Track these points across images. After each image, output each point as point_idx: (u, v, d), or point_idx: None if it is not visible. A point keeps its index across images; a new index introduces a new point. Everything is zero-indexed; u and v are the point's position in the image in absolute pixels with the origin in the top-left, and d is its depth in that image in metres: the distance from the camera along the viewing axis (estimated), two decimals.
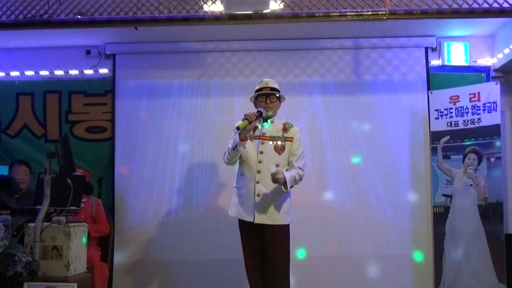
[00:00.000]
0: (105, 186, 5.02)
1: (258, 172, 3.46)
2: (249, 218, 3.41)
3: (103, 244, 4.47)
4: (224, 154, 3.53)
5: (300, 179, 3.50)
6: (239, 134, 3.34)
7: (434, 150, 4.72)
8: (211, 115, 5.01)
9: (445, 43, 4.91)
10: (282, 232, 3.46)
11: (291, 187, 3.45)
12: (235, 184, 3.62)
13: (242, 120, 3.38)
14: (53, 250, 3.18)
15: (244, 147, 3.43)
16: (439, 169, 4.66)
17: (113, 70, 5.11)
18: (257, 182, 3.43)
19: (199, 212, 4.89)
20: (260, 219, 3.40)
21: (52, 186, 3.15)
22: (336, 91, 5.00)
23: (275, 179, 3.32)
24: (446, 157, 4.63)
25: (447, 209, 4.57)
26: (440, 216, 4.60)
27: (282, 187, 3.35)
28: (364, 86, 5.00)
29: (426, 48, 4.98)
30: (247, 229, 3.47)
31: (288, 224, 3.49)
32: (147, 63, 5.08)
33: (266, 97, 3.54)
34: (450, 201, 4.55)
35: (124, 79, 5.08)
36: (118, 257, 4.85)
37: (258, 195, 3.42)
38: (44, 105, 5.12)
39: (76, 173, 3.82)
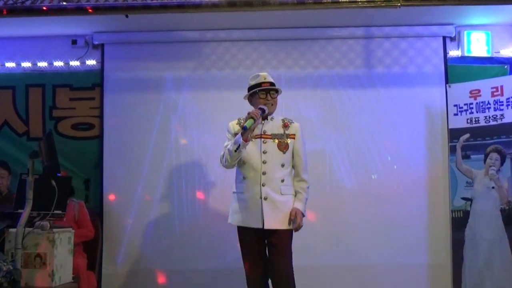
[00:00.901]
0: (93, 188, 5.03)
1: (264, 173, 3.46)
2: (257, 224, 3.41)
3: (90, 252, 4.48)
4: (223, 156, 3.52)
5: (307, 193, 3.56)
6: (242, 134, 3.35)
7: (452, 149, 4.72)
8: (208, 111, 5.02)
9: (465, 32, 4.92)
10: (288, 238, 3.48)
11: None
12: (234, 189, 3.60)
13: (246, 119, 3.38)
14: (36, 258, 3.17)
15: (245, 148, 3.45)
16: (458, 170, 4.67)
17: (102, 61, 5.10)
18: (263, 185, 3.44)
19: (195, 218, 4.91)
20: (270, 224, 3.40)
21: (35, 188, 3.15)
22: (345, 84, 5.01)
23: (298, 226, 3.40)
24: (466, 157, 4.64)
25: (466, 213, 4.57)
26: (459, 222, 4.60)
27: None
28: (376, 79, 5.00)
29: (444, 38, 4.99)
30: (251, 237, 3.47)
31: (292, 230, 3.50)
32: (138, 54, 5.07)
33: (266, 93, 3.54)
34: (470, 205, 4.55)
35: (113, 71, 5.08)
36: (107, 266, 4.85)
37: (265, 199, 3.42)
38: (26, 100, 5.12)
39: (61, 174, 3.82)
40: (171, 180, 4.97)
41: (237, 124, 3.60)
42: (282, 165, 3.49)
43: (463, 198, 4.61)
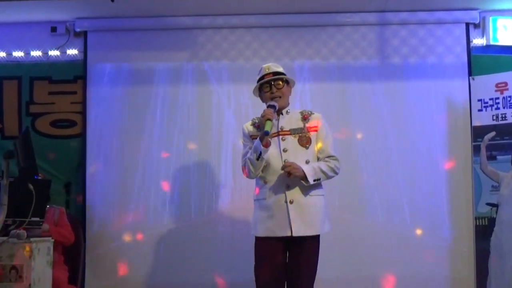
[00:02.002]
0: (74, 192, 5.03)
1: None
2: (284, 232, 3.37)
3: (72, 264, 4.46)
4: (245, 167, 3.49)
5: (333, 171, 3.47)
6: (261, 139, 3.33)
7: (476, 149, 4.72)
8: (204, 107, 5.03)
9: (491, 18, 4.93)
10: (315, 245, 3.46)
11: (317, 180, 3.41)
12: (255, 196, 3.56)
13: (261, 123, 3.38)
14: (11, 270, 3.16)
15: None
16: (483, 172, 4.67)
17: (85, 51, 5.11)
18: (288, 188, 3.41)
19: (191, 225, 4.90)
20: (299, 230, 3.36)
21: (10, 192, 3.15)
22: (357, 76, 5.01)
23: (286, 172, 3.32)
24: (492, 157, 4.64)
25: (492, 221, 4.56)
26: (484, 230, 4.60)
27: (303, 181, 3.36)
28: (391, 71, 5.01)
29: (467, 24, 5.01)
30: (276, 248, 3.42)
31: (319, 236, 3.48)
32: (126, 43, 5.08)
33: (270, 85, 3.53)
34: (496, 211, 4.54)
35: (97, 62, 5.09)
36: (90, 280, 4.83)
37: (291, 202, 3.40)
38: (0, 94, 5.13)
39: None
40: (165, 183, 4.97)
41: (251, 125, 3.59)
42: (307, 162, 3.45)
43: (488, 204, 4.61)
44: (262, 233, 3.44)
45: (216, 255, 4.81)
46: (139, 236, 4.92)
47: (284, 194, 3.40)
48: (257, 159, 3.36)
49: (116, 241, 4.92)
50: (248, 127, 3.60)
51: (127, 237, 4.92)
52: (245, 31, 5.06)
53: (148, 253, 4.89)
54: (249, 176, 3.51)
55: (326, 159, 3.49)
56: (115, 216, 4.95)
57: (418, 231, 4.81)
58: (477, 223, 4.65)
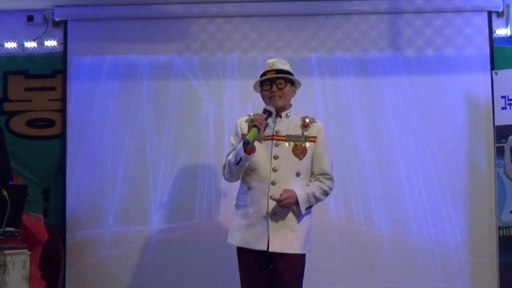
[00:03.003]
0: (53, 199, 5.04)
1: (273, 183, 3.42)
2: (260, 246, 3.38)
3: (50, 278, 4.43)
4: (224, 168, 3.53)
5: (326, 194, 3.51)
6: (244, 147, 3.33)
7: (500, 151, 4.71)
8: (196, 104, 5.03)
9: None
10: (298, 264, 3.45)
11: (309, 207, 3.45)
12: (236, 201, 3.59)
13: (249, 128, 3.36)
14: None
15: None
16: (507, 177, 4.65)
17: (64, 42, 5.11)
18: (272, 197, 3.39)
19: (184, 235, 4.90)
20: (276, 246, 3.37)
21: None
22: (366, 71, 5.00)
23: (282, 206, 3.34)
24: None
25: None
26: (508, 241, 4.59)
27: (295, 208, 3.38)
28: (405, 65, 5.00)
29: (490, 13, 4.99)
30: (253, 261, 3.46)
31: (305, 254, 3.49)
32: (110, 33, 5.09)
33: (271, 83, 3.52)
34: None
35: (78, 54, 5.09)
36: None
37: (273, 215, 3.40)
38: None
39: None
40: (154, 189, 4.97)
41: (246, 122, 3.56)
42: (297, 174, 3.47)
43: None
44: (236, 242, 3.48)
45: (206, 265, 4.82)
46: (125, 247, 4.92)
47: (267, 204, 3.41)
48: (236, 164, 3.37)
49: (100, 253, 4.92)
50: (242, 123, 3.59)
51: (111, 248, 4.92)
52: (242, 20, 5.06)
53: (134, 266, 4.88)
54: (225, 177, 3.56)
55: (321, 178, 3.49)
56: (99, 225, 4.94)
57: (433, 243, 4.81)
58: (501, 233, 4.63)
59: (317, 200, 3.47)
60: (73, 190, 4.98)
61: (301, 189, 3.40)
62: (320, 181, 3.48)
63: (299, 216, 3.44)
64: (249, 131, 3.34)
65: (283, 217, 3.40)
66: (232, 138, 3.61)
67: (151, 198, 4.98)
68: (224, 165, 3.53)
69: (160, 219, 4.95)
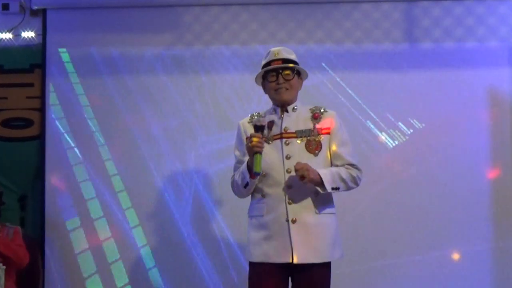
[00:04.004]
0: (31, 208, 5.00)
1: (289, 187, 3.36)
2: (284, 258, 3.32)
3: None
4: (233, 185, 3.54)
5: (354, 180, 3.43)
6: (249, 170, 3.32)
7: None
8: (191, 101, 5.00)
9: None
10: (325, 278, 3.41)
11: (335, 189, 3.36)
12: (249, 211, 3.53)
13: (249, 153, 3.28)
14: None
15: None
16: None
17: (43, 34, 5.09)
18: (289, 203, 3.35)
19: (177, 247, 4.89)
20: (302, 256, 3.30)
21: None
22: (378, 64, 4.99)
23: (300, 175, 3.24)
24: None
25: None
26: None
27: (319, 188, 3.31)
28: (421, 57, 4.99)
29: None
30: (275, 275, 3.39)
31: (330, 262, 3.43)
32: (93, 24, 5.07)
33: (277, 74, 3.45)
34: None
35: (59, 46, 5.06)
36: None
37: (293, 221, 3.32)
38: None
39: None
40: (141, 195, 4.95)
41: (249, 122, 3.52)
42: None
43: None
44: (256, 258, 3.40)
45: (202, 284, 4.81)
46: (110, 262, 4.89)
47: (285, 211, 3.34)
48: (244, 187, 3.40)
49: (84, 269, 4.88)
50: (245, 125, 3.53)
51: (96, 264, 4.89)
52: (240, 8, 5.05)
53: (120, 283, 4.86)
54: (236, 195, 3.57)
55: (347, 166, 3.43)
56: (82, 237, 4.91)
57: (455, 255, 4.81)
58: None
59: (345, 183, 3.39)
60: (53, 198, 4.94)
61: (323, 168, 3.34)
62: (346, 168, 3.42)
63: (323, 221, 3.38)
64: (251, 160, 3.26)
65: (305, 224, 3.34)
66: (235, 148, 3.56)
67: (140, 208, 4.96)
68: (232, 183, 3.52)
69: (150, 231, 4.93)
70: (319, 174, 3.27)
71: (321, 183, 3.27)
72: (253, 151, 3.23)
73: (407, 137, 4.91)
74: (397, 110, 4.93)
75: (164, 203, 4.93)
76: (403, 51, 4.99)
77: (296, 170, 3.25)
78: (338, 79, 4.97)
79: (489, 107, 4.89)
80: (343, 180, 3.37)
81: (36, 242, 4.77)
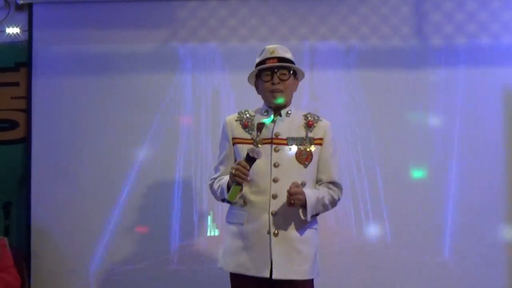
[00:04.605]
0: (16, 216, 4.97)
1: (274, 197, 3.33)
2: (261, 272, 3.30)
3: None
4: (211, 189, 3.55)
5: (333, 202, 3.47)
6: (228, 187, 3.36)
7: None
8: (186, 101, 4.96)
9: None
10: None
11: (316, 215, 3.38)
12: (228, 217, 3.51)
13: (230, 184, 3.29)
14: None
15: None
16: None
17: (29, 30, 5.06)
18: (273, 214, 3.31)
19: (170, 259, 4.86)
20: (281, 272, 3.28)
21: None
22: (385, 63, 4.95)
23: (290, 201, 3.24)
24: None
25: None
26: None
27: (300, 212, 3.30)
28: (432, 56, 4.95)
29: None
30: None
31: (312, 280, 3.42)
32: (82, 19, 5.02)
33: (272, 73, 3.41)
34: None
35: (46, 44, 5.04)
36: None
37: (275, 234, 3.30)
38: None
39: None
40: (137, 202, 4.92)
41: (236, 120, 3.50)
42: (302, 184, 3.34)
43: None
44: (231, 268, 3.41)
45: None
46: (101, 274, 4.88)
47: (267, 222, 3.33)
48: (222, 201, 3.44)
49: (72, 281, 4.87)
50: (232, 123, 3.51)
51: (87, 276, 4.87)
52: (239, 3, 5.01)
53: None
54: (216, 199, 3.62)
55: (330, 185, 3.46)
56: (71, 248, 4.88)
57: (465, 272, 4.78)
58: None
59: (325, 208, 3.43)
60: (40, 205, 4.91)
61: (310, 191, 3.33)
62: (329, 188, 3.45)
63: (307, 236, 3.39)
64: (228, 188, 3.28)
65: (288, 238, 3.34)
66: (220, 147, 3.55)
67: (132, 216, 4.93)
68: (211, 187, 3.53)
69: (142, 242, 4.90)
70: (305, 199, 3.27)
71: (303, 208, 3.28)
72: (234, 181, 3.23)
73: (415, 142, 4.88)
74: (404, 110, 4.91)
75: (155, 209, 4.90)
76: (411, 50, 4.95)
77: (289, 194, 3.21)
78: (343, 77, 4.93)
79: (504, 108, 4.85)
80: (324, 205, 3.39)
81: (21, 253, 4.72)
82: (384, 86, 4.91)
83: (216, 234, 4.84)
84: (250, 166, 3.23)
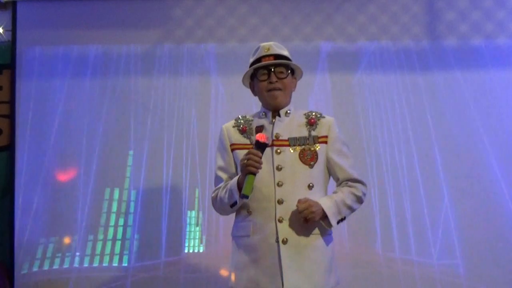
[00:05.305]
0: None
1: (279, 202, 3.24)
2: (271, 285, 3.24)
3: None
4: (215, 201, 3.42)
5: (359, 201, 3.40)
6: (239, 187, 3.24)
7: None
8: (181, 105, 4.95)
9: None
10: None
11: (342, 219, 3.33)
12: (233, 231, 3.45)
13: (243, 171, 3.18)
14: None
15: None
16: None
17: (13, 29, 5.05)
18: (280, 221, 3.22)
19: (164, 273, 4.81)
20: (292, 283, 3.20)
21: None
22: (396, 64, 4.97)
23: (305, 219, 3.19)
24: None
25: None
26: None
27: (323, 223, 3.25)
28: (446, 56, 4.96)
29: None
30: None
31: None
32: (71, 18, 5.01)
33: (269, 72, 3.34)
34: None
35: (31, 44, 5.03)
36: None
37: (284, 242, 3.21)
38: None
39: None
40: (129, 212, 4.89)
41: (234, 127, 3.44)
42: (310, 187, 3.28)
43: None
44: (242, 285, 3.32)
45: None
46: (87, 286, 4.84)
47: (275, 230, 3.25)
48: (231, 206, 3.31)
49: None
50: (229, 129, 3.45)
51: None
52: (238, 1, 5.05)
53: None
54: (217, 211, 3.51)
55: (350, 183, 3.38)
56: (58, 261, 4.83)
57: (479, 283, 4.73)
58: None
59: (351, 209, 3.36)
60: (24, 215, 4.88)
61: (326, 199, 3.29)
62: (349, 186, 3.39)
63: (317, 241, 3.32)
64: (243, 179, 3.16)
65: (298, 245, 3.27)
66: (218, 156, 3.46)
67: (122, 227, 4.90)
68: (215, 198, 3.41)
69: (132, 253, 4.86)
70: (322, 209, 3.22)
71: (325, 218, 3.23)
72: (248, 171, 3.14)
73: (422, 147, 4.88)
74: (416, 116, 4.91)
75: (148, 219, 4.86)
76: (424, 50, 4.97)
77: (299, 212, 3.18)
78: (350, 79, 4.95)
79: None
80: (349, 207, 3.33)
81: (4, 268, 4.71)
82: (393, 89, 4.92)
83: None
84: (262, 153, 3.17)
